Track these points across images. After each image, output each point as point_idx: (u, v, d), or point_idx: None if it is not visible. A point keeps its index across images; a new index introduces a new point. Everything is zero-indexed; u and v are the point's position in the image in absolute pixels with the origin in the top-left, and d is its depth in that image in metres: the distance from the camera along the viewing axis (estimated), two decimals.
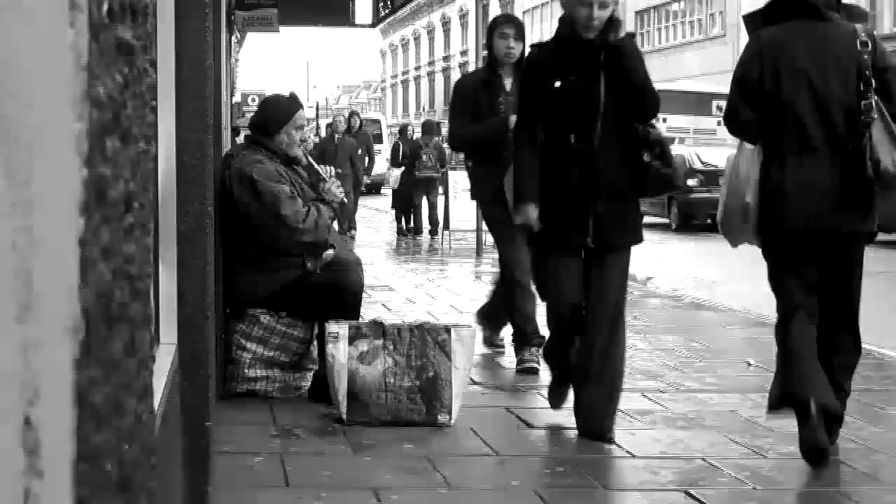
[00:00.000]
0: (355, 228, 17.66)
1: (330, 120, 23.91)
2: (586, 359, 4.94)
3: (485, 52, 7.45)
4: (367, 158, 18.20)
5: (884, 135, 4.47)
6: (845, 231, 4.60)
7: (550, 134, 4.94)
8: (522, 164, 5.04)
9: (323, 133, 25.57)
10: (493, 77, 6.77)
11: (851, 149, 4.49)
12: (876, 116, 4.47)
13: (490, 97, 6.67)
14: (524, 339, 6.52)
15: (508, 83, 6.70)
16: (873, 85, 4.50)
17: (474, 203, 6.29)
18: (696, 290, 11.08)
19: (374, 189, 31.49)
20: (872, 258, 15.18)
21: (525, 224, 4.99)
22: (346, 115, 17.81)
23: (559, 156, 4.91)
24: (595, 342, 4.91)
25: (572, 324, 5.02)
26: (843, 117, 4.51)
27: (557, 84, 4.90)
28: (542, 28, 60.73)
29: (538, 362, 6.23)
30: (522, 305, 6.53)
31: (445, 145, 19.35)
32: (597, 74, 4.85)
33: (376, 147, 22.86)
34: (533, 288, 6.12)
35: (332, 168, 6.20)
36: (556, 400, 5.28)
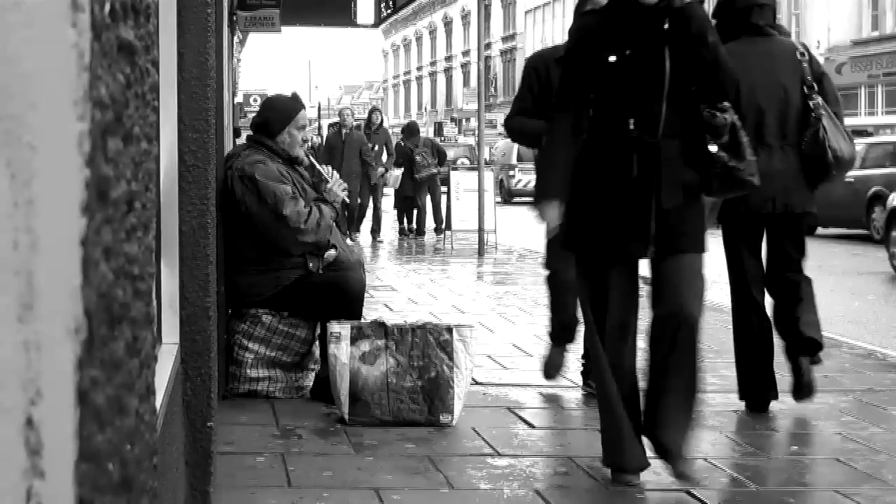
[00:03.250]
0: (359, 231, 17.17)
1: (331, 120, 23.77)
2: (655, 384, 4.23)
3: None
4: (385, 156, 17.61)
5: (834, 128, 5.26)
6: (797, 211, 5.33)
7: (603, 120, 4.17)
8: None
9: (325, 133, 25.43)
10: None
11: (803, 144, 5.25)
12: (823, 113, 5.25)
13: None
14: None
15: None
16: (815, 88, 5.30)
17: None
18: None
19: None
20: (879, 258, 15.41)
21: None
22: (351, 112, 17.18)
23: (614, 146, 4.12)
24: (667, 369, 4.18)
25: (617, 344, 4.27)
26: (794, 117, 5.28)
27: (612, 58, 4.12)
28: (543, 29, 60.75)
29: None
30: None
31: (441, 139, 19.39)
32: (660, 46, 4.08)
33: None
34: None
35: (332, 168, 6.20)
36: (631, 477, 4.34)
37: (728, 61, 4.13)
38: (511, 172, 31.50)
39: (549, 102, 5.31)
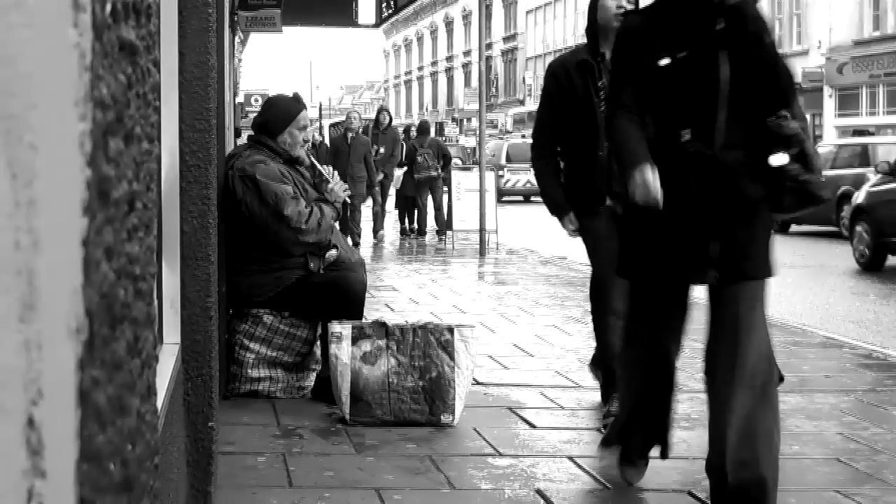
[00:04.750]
0: (360, 235, 16.87)
1: (333, 120, 23.66)
2: (722, 445, 3.71)
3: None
4: (391, 156, 17.40)
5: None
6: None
7: (654, 130, 3.79)
8: (622, 134, 3.84)
9: (326, 133, 25.33)
10: (593, 56, 5.21)
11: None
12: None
13: (587, 83, 5.17)
14: (613, 385, 5.11)
15: None
16: None
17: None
18: (698, 291, 11.07)
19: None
20: (846, 252, 15.84)
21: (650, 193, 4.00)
22: (358, 115, 16.86)
23: (668, 160, 3.70)
24: (731, 422, 3.67)
25: (662, 382, 3.94)
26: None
27: (664, 62, 3.73)
28: (544, 29, 60.73)
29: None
30: (617, 340, 5.08)
31: (451, 136, 19.34)
32: (715, 47, 3.69)
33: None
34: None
35: (332, 168, 6.20)
36: (633, 474, 4.23)
37: (786, 64, 3.80)
38: (500, 172, 31.72)
39: (570, 108, 5.17)
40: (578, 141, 5.18)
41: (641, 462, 4.25)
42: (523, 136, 38.04)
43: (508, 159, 33.15)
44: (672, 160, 3.69)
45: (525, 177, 32.61)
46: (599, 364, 5.41)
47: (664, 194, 3.63)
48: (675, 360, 4.02)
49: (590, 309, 5.40)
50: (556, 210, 5.31)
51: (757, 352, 3.67)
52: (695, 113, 3.70)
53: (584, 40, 5.35)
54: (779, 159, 3.69)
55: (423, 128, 18.63)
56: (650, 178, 3.64)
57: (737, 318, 3.69)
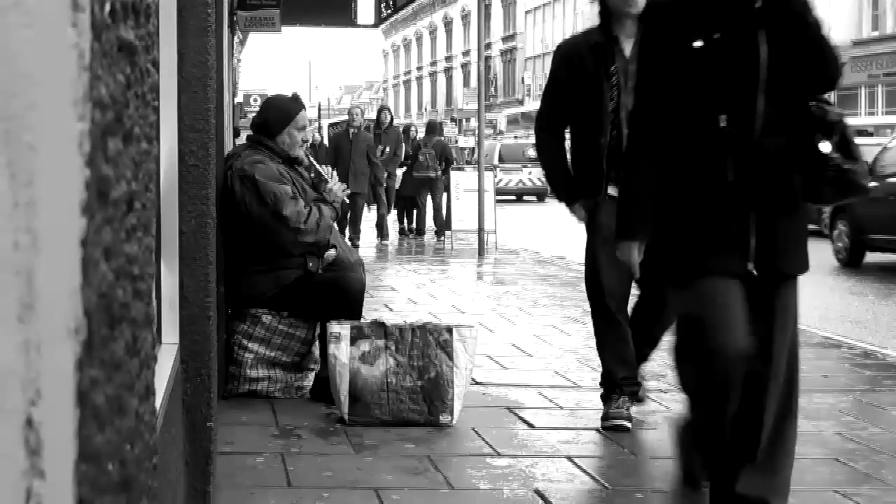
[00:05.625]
0: (358, 238, 16.48)
1: (332, 120, 23.59)
2: (747, 436, 3.52)
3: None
4: (394, 156, 17.13)
5: None
6: None
7: (688, 116, 3.52)
8: (637, 183, 3.63)
9: (325, 133, 25.23)
10: (604, 38, 5.02)
11: None
12: None
13: (599, 66, 4.97)
14: (613, 386, 5.14)
15: (628, 47, 4.98)
16: None
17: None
18: None
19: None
20: (889, 259, 15.76)
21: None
22: (360, 111, 16.64)
23: (704, 147, 3.48)
24: (761, 414, 3.49)
25: (738, 384, 3.46)
26: None
27: (698, 44, 3.47)
28: (543, 29, 60.74)
29: (629, 417, 5.12)
30: (617, 344, 5.15)
31: (451, 137, 19.32)
32: (753, 27, 3.44)
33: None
34: (626, 324, 5.13)
35: (331, 168, 6.19)
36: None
37: (831, 45, 3.50)
38: (493, 172, 32.00)
39: (577, 93, 4.99)
40: (583, 126, 5.06)
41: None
42: (516, 137, 38.27)
43: (501, 159, 33.42)
44: (709, 147, 3.46)
45: (517, 176, 32.87)
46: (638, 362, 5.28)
47: (702, 183, 3.45)
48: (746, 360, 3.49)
49: (590, 311, 5.30)
50: (565, 197, 5.23)
51: (788, 352, 3.50)
52: (732, 97, 3.45)
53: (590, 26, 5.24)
54: (825, 146, 3.48)
55: (430, 127, 18.60)
56: (634, 257, 3.68)
57: (772, 316, 3.50)
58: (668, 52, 3.53)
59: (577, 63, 5.03)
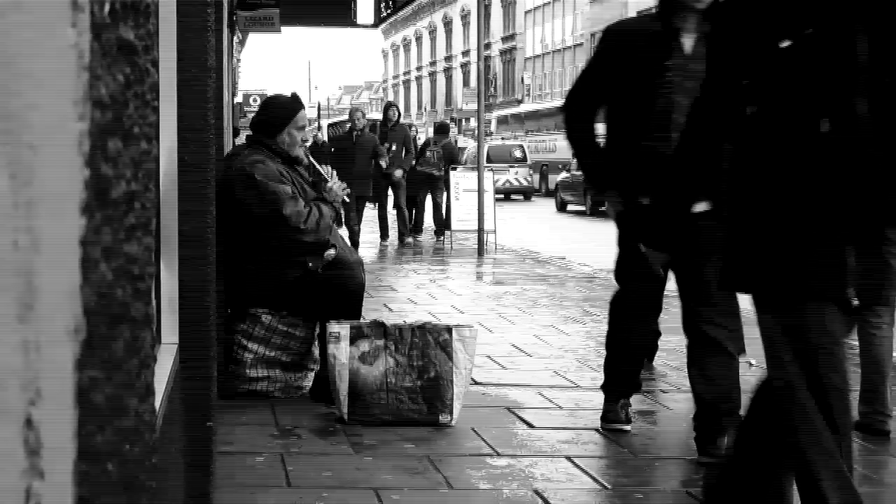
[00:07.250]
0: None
1: (331, 119, 23.51)
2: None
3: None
4: (403, 153, 16.59)
5: None
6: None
7: (782, 122, 3.04)
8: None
9: (325, 133, 25.17)
10: (666, 28, 4.52)
11: None
12: None
13: (654, 61, 4.48)
14: (614, 385, 5.05)
15: (689, 42, 4.48)
16: None
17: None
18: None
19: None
20: None
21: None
22: (363, 114, 16.38)
23: (803, 154, 3.00)
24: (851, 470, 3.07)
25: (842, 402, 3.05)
26: None
27: (786, 43, 3.01)
28: (543, 29, 60.74)
29: (628, 420, 5.04)
30: (626, 353, 4.99)
31: (451, 138, 19.28)
32: (850, 20, 3.01)
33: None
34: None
35: (331, 168, 6.19)
36: None
37: None
38: None
39: (627, 83, 4.53)
40: (621, 120, 4.63)
41: None
42: (502, 139, 38.74)
43: (489, 159, 33.84)
44: (809, 155, 2.99)
45: (504, 176, 33.30)
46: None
47: (800, 193, 3.00)
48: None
49: (608, 321, 5.07)
50: (596, 182, 4.90)
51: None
52: (831, 100, 3.00)
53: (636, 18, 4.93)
54: None
55: (441, 127, 18.71)
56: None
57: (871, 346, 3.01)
58: (749, 54, 3.08)
59: (628, 50, 4.56)
